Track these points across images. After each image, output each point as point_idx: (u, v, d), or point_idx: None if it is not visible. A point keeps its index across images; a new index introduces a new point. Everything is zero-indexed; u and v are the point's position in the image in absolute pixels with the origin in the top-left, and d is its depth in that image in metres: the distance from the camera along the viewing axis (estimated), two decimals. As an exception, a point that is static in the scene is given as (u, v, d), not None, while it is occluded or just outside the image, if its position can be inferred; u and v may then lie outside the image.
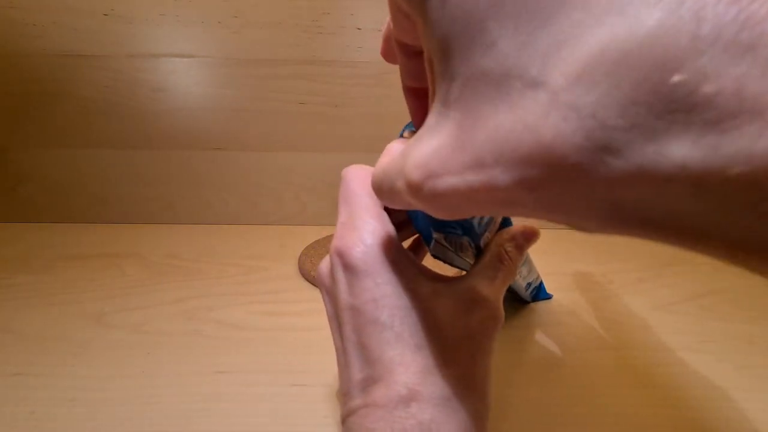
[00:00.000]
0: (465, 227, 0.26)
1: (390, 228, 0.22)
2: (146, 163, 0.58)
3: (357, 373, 0.20)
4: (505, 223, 0.27)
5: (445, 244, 0.27)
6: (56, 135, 0.57)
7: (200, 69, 0.55)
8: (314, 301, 0.40)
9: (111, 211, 0.60)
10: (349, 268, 0.20)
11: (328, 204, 0.61)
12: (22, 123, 0.56)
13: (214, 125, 0.57)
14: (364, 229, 0.21)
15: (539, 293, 0.42)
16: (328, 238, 0.54)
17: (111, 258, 0.50)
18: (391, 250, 0.21)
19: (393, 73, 0.55)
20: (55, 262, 0.49)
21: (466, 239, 0.26)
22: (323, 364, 0.32)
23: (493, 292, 0.22)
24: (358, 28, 0.54)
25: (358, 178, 0.24)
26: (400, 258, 0.21)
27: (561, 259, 0.52)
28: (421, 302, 0.20)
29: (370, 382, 0.19)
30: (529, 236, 0.25)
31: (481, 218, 0.27)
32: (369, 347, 0.19)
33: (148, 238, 0.55)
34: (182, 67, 0.55)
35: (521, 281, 0.35)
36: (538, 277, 0.40)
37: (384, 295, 0.20)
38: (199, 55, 0.54)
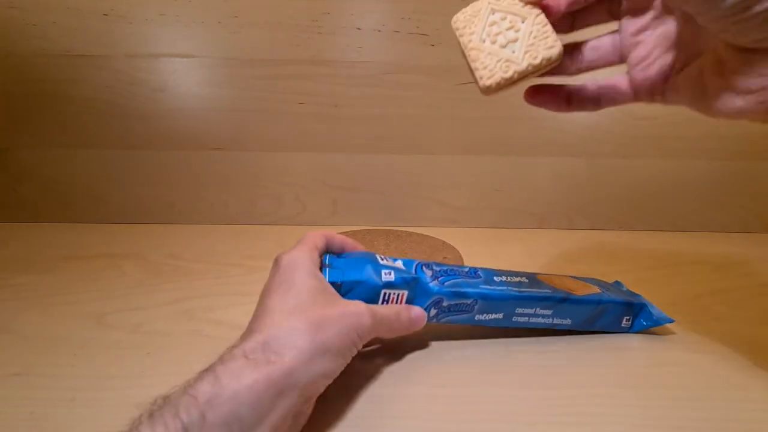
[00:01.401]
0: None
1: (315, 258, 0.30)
2: (146, 163, 0.58)
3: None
4: None
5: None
6: (56, 135, 0.57)
7: (200, 69, 0.55)
8: (314, 301, 0.40)
9: (111, 211, 0.60)
10: (275, 263, 0.30)
11: (327, 204, 0.61)
12: (22, 123, 0.56)
13: (214, 125, 0.57)
14: (298, 248, 0.30)
15: (638, 317, 0.36)
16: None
17: (111, 258, 0.50)
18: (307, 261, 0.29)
19: (393, 73, 0.55)
20: (55, 262, 0.49)
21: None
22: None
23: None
24: (358, 28, 0.54)
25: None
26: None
27: (561, 259, 0.52)
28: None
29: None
30: None
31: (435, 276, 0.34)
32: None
33: (148, 238, 0.55)
34: (182, 67, 0.55)
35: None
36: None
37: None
38: (199, 55, 0.54)
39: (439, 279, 0.33)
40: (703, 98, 0.25)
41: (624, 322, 0.36)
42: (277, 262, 0.29)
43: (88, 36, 0.53)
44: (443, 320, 0.33)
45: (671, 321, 0.35)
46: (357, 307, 0.27)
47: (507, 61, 0.24)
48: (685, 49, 0.26)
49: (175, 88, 0.56)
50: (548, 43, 0.25)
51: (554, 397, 0.29)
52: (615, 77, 0.29)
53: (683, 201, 0.61)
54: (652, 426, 0.27)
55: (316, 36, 0.54)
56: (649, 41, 0.27)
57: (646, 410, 0.28)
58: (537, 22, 0.25)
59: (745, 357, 0.34)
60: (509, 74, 0.24)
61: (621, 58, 0.29)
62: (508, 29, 0.25)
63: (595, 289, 0.36)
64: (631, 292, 0.39)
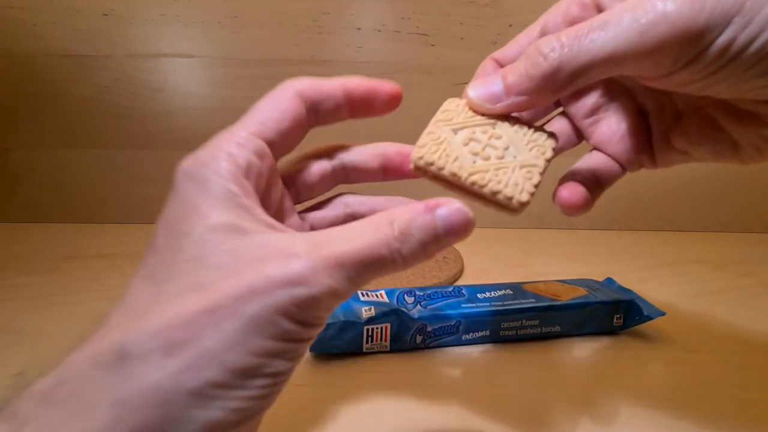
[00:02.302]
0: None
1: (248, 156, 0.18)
2: (146, 163, 0.58)
3: None
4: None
5: None
6: (56, 135, 0.57)
7: (200, 69, 0.55)
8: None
9: (111, 211, 0.60)
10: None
11: (328, 204, 0.61)
12: (22, 123, 0.56)
13: (214, 125, 0.56)
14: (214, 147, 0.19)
15: (629, 314, 0.36)
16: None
17: (111, 258, 0.50)
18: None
19: (393, 74, 0.55)
20: (55, 262, 0.49)
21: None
22: (322, 364, 0.32)
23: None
24: (358, 28, 0.54)
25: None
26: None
27: (561, 260, 0.52)
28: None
29: None
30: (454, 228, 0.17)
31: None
32: None
33: (148, 238, 0.55)
34: (182, 67, 0.55)
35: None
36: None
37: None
38: (198, 55, 0.54)
39: (422, 303, 0.34)
40: (737, 152, 0.21)
41: (615, 320, 0.36)
42: (174, 178, 0.18)
43: (88, 36, 0.53)
44: (432, 344, 0.34)
45: (662, 314, 0.35)
46: (285, 264, 0.15)
47: (522, 167, 0.20)
48: (662, 114, 0.23)
49: (175, 88, 0.56)
50: (542, 134, 0.21)
51: (554, 397, 0.29)
52: (595, 156, 0.25)
53: (683, 201, 0.61)
54: (651, 426, 0.27)
55: (316, 36, 0.54)
56: (610, 117, 0.24)
57: (646, 410, 0.28)
58: (509, 121, 0.21)
59: (745, 357, 0.34)
60: (536, 179, 0.20)
61: (580, 140, 0.26)
62: (489, 139, 0.21)
63: (582, 291, 0.36)
64: (622, 288, 0.39)
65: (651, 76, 0.18)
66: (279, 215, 0.21)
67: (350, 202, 0.23)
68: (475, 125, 0.21)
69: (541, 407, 0.28)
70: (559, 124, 0.26)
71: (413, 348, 0.33)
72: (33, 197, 0.59)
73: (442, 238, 0.16)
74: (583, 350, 0.34)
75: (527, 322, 0.34)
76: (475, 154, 0.20)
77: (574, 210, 0.23)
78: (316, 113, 0.21)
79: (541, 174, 0.20)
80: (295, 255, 0.15)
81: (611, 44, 0.17)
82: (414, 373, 0.31)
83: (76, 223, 0.59)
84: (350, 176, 0.23)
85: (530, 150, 0.21)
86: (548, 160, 0.21)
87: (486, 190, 0.20)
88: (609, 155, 0.24)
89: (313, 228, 0.23)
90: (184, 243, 0.16)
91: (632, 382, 0.31)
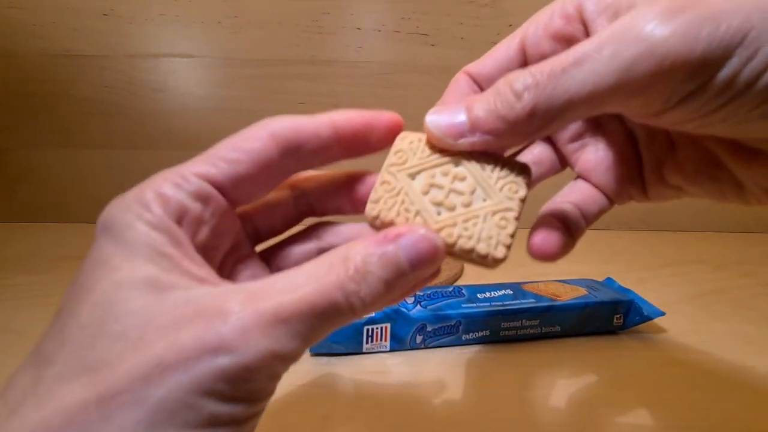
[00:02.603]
0: None
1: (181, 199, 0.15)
2: (146, 163, 0.58)
3: None
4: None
5: None
6: (56, 135, 0.57)
7: (200, 69, 0.55)
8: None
9: (111, 211, 0.60)
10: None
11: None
12: (22, 123, 0.56)
13: (214, 125, 0.57)
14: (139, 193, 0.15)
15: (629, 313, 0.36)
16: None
17: (111, 258, 0.50)
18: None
19: (393, 73, 0.55)
20: (55, 262, 0.49)
21: None
22: (322, 364, 0.32)
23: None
24: (358, 28, 0.54)
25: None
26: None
27: (561, 260, 0.52)
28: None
29: None
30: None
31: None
32: None
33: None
34: (182, 67, 0.55)
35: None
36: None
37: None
38: (198, 55, 0.54)
39: (422, 303, 0.34)
40: (740, 193, 0.18)
41: (615, 320, 0.36)
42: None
43: (88, 36, 0.53)
44: (431, 344, 0.34)
45: (662, 314, 0.35)
46: (207, 328, 0.12)
47: (494, 213, 0.17)
48: (653, 143, 0.20)
49: (175, 88, 0.56)
50: (512, 167, 0.18)
51: (555, 397, 0.29)
52: (579, 186, 0.22)
53: (683, 201, 0.61)
54: (651, 426, 0.27)
55: (316, 36, 0.54)
56: (597, 143, 0.22)
57: (646, 410, 0.28)
58: (472, 155, 0.18)
59: (745, 357, 0.34)
60: (510, 227, 0.17)
61: (564, 165, 0.23)
62: (452, 182, 0.18)
63: (582, 292, 0.37)
64: (622, 288, 0.39)
65: (639, 115, 0.16)
66: (230, 266, 0.18)
67: (323, 233, 0.20)
68: (434, 166, 0.18)
69: (541, 407, 0.28)
70: (539, 149, 0.23)
71: (413, 348, 0.33)
72: (33, 197, 0.59)
73: (407, 272, 0.14)
74: (583, 350, 0.34)
75: (527, 322, 0.34)
76: (438, 204, 0.17)
77: (548, 258, 0.20)
78: (296, 157, 0.17)
79: (517, 219, 0.18)
80: (222, 314, 0.12)
81: (590, 83, 0.14)
82: (414, 373, 0.31)
83: (76, 223, 0.59)
84: (314, 205, 0.20)
85: (501, 189, 0.18)
86: (522, 200, 0.18)
87: (456, 249, 0.17)
88: (594, 185, 0.22)
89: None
90: (83, 305, 0.13)
91: (632, 382, 0.31)
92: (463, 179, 0.18)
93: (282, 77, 0.55)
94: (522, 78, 0.15)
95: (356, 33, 0.54)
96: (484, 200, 0.18)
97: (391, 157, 0.19)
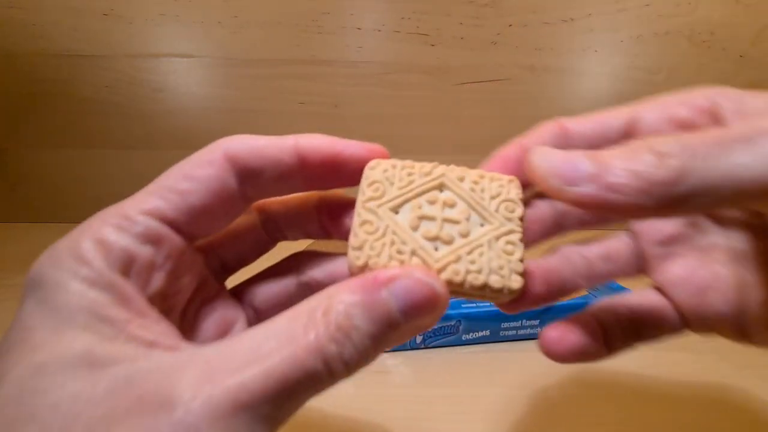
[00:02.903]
0: None
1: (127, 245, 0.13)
2: (146, 163, 0.58)
3: None
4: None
5: None
6: (56, 135, 0.57)
7: (200, 69, 0.55)
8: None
9: (111, 211, 0.60)
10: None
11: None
12: (22, 123, 0.56)
13: (214, 125, 0.57)
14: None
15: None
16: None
17: (111, 258, 0.50)
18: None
19: (393, 73, 0.55)
20: (55, 262, 0.49)
21: None
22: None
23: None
24: (358, 28, 0.54)
25: None
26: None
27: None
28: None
29: None
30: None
31: None
32: None
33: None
34: (182, 67, 0.55)
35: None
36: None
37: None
38: (198, 55, 0.54)
39: None
40: None
41: None
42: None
43: (88, 36, 0.53)
44: (431, 344, 0.34)
45: None
46: (149, 425, 0.10)
47: (497, 239, 0.15)
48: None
49: (175, 88, 0.55)
50: (501, 183, 0.17)
51: (555, 398, 0.29)
52: (649, 296, 0.18)
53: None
54: (651, 427, 0.27)
55: (316, 36, 0.54)
56: (689, 256, 0.18)
57: (646, 411, 0.28)
58: (459, 176, 0.17)
59: (744, 357, 0.34)
60: (518, 252, 0.15)
61: (641, 270, 0.19)
62: (442, 210, 0.16)
63: (582, 292, 0.37)
64: (622, 288, 0.39)
65: None
66: (194, 310, 0.16)
67: (303, 265, 0.18)
68: (418, 194, 0.16)
69: (541, 407, 0.28)
70: (617, 243, 0.19)
71: (413, 348, 0.33)
72: (33, 197, 0.59)
73: (399, 323, 0.12)
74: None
75: (527, 322, 0.34)
76: (434, 239, 0.15)
77: (557, 358, 0.17)
78: (254, 185, 0.15)
79: (522, 241, 0.16)
80: (167, 404, 0.10)
81: (760, 168, 0.11)
82: (414, 373, 0.31)
83: (76, 223, 0.59)
84: (284, 230, 0.18)
85: (497, 210, 0.16)
86: (521, 218, 0.16)
87: (466, 287, 0.15)
88: (673, 304, 0.18)
89: (258, 312, 0.18)
90: None
91: (632, 381, 0.31)
92: (453, 205, 0.16)
93: (282, 77, 0.55)
94: (666, 141, 0.13)
95: (356, 33, 0.54)
96: (482, 225, 0.16)
97: (366, 191, 0.16)
